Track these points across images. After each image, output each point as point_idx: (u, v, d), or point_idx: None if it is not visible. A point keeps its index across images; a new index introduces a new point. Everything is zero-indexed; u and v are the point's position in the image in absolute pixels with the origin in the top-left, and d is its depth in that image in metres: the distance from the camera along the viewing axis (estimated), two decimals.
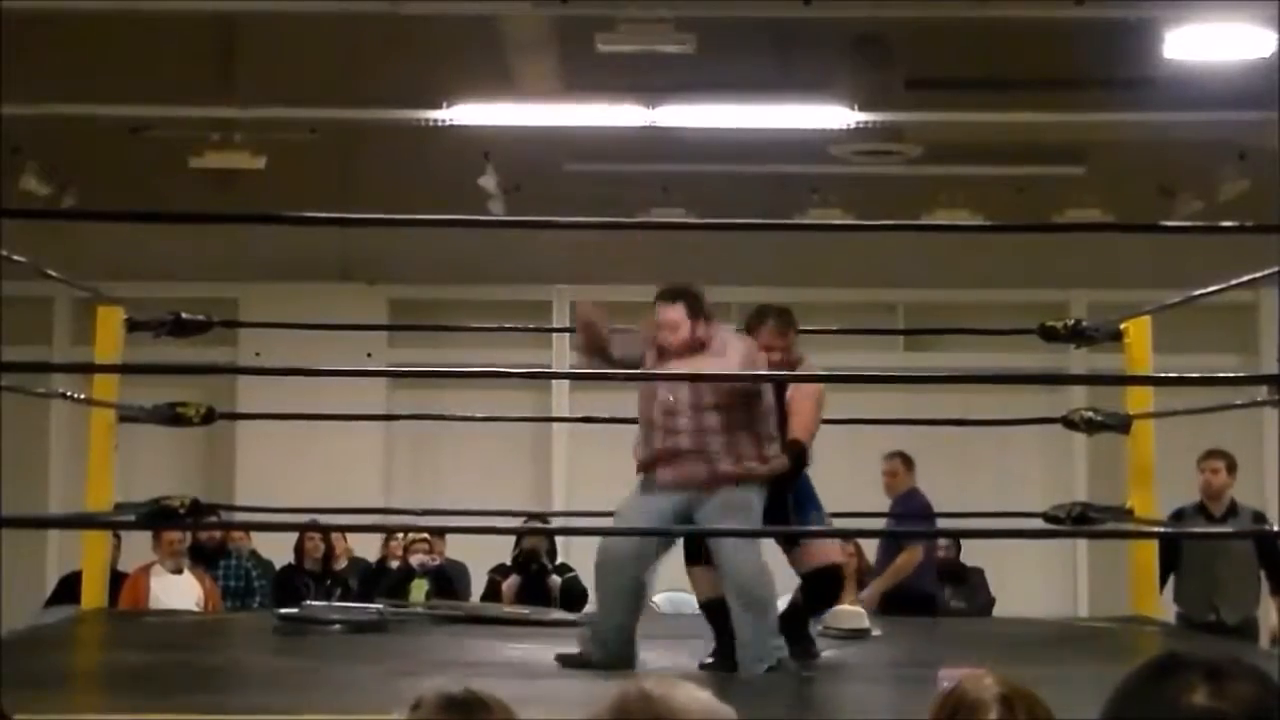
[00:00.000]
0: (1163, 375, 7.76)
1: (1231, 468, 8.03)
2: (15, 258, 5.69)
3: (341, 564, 9.50)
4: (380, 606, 7.38)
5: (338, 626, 6.66)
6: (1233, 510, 7.98)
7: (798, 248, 11.66)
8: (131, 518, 6.60)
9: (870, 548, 9.31)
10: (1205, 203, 10.63)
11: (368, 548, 9.82)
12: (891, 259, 11.84)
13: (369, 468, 11.78)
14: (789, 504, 5.69)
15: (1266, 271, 5.67)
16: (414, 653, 6.04)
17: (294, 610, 6.98)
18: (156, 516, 6.27)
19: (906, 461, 8.66)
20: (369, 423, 10.84)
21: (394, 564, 9.31)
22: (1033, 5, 8.59)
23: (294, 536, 9.35)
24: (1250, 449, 12.09)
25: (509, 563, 9.15)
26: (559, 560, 9.53)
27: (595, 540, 5.77)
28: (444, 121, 9.58)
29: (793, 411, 5.66)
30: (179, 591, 8.29)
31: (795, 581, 5.98)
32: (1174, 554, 7.92)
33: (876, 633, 6.51)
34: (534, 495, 12.06)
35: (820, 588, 5.82)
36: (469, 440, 11.16)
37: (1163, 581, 8.18)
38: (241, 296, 11.59)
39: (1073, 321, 7.17)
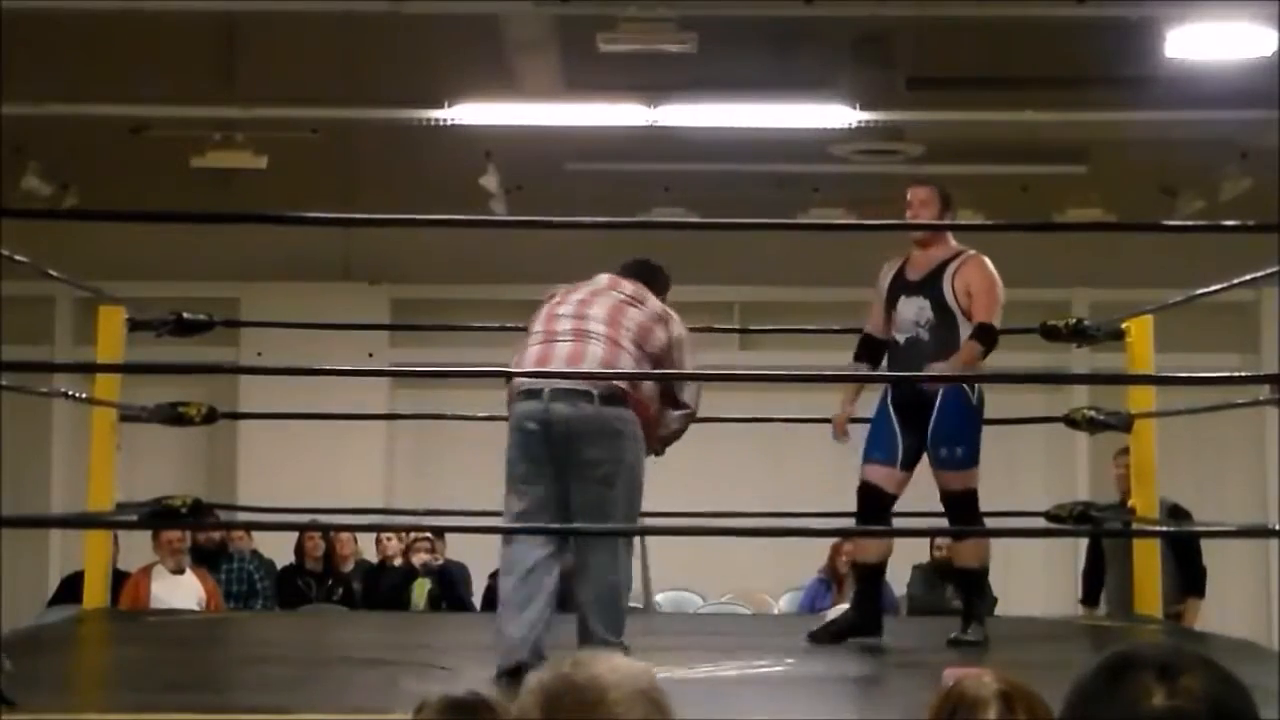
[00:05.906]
0: (1164, 374, 7.74)
1: None
2: (17, 258, 5.68)
3: (348, 567, 9.50)
4: None
5: None
6: None
7: (799, 247, 11.66)
8: (133, 518, 6.60)
9: None
10: (1207, 202, 10.63)
11: (369, 548, 9.83)
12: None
13: (371, 467, 11.78)
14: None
15: (1268, 271, 5.65)
16: (419, 650, 6.04)
17: None
18: (158, 516, 6.26)
19: None
20: (371, 422, 10.85)
21: (397, 563, 9.31)
22: (1034, 4, 8.59)
23: (296, 536, 9.35)
24: (1251, 448, 12.11)
25: None
26: None
27: None
28: (445, 121, 9.58)
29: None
30: (180, 592, 8.29)
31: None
32: (1099, 553, 8.07)
33: None
34: None
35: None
36: (471, 440, 11.12)
37: (1097, 583, 8.23)
38: (243, 296, 11.60)
39: (1074, 320, 7.15)
